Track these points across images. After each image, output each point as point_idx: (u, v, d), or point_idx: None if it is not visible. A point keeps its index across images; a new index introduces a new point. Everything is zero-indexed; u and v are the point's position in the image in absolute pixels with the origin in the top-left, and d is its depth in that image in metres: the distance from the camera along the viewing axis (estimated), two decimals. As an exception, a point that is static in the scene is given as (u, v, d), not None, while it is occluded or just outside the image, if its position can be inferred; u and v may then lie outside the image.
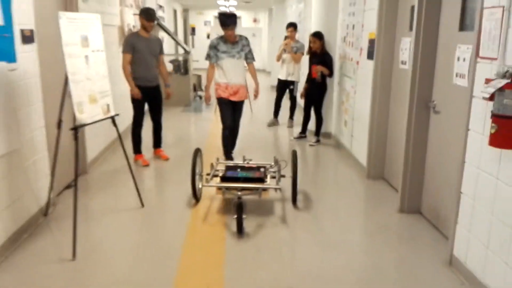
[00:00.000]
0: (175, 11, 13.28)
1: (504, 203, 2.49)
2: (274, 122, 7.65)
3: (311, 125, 6.58)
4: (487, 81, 2.50)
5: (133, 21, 7.41)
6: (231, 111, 5.12)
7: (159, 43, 5.31)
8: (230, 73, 4.99)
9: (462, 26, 3.24)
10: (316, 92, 6.32)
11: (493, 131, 2.36)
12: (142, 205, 4.08)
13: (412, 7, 3.90)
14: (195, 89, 10.52)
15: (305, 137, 6.63)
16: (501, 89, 2.30)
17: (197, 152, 4.08)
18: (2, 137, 3.12)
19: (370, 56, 4.81)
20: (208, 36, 15.52)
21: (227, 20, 4.82)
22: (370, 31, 4.83)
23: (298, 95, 7.21)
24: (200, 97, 10.60)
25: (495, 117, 2.35)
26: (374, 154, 4.82)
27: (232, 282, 2.88)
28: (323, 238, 3.55)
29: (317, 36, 6.20)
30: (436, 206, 3.67)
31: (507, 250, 2.47)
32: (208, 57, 5.01)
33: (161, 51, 5.27)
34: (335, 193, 4.67)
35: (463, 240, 2.95)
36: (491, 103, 2.41)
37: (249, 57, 5.10)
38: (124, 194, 4.40)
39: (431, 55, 3.65)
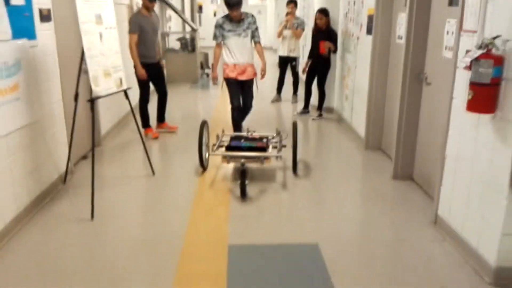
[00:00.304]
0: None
1: (481, 163, 2.75)
2: (277, 98, 7.88)
3: (314, 100, 6.80)
4: (467, 52, 2.72)
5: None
6: (239, 91, 5.17)
7: (158, 20, 5.58)
8: (236, 52, 5.03)
9: (451, 1, 3.43)
10: (321, 68, 6.52)
11: (470, 97, 2.60)
12: (153, 173, 4.39)
13: (407, -16, 4.07)
14: (202, 67, 10.74)
15: (308, 112, 6.86)
16: (477, 59, 2.52)
17: (204, 123, 4.35)
18: (25, 109, 3.42)
19: (369, 31, 5.00)
20: (215, 14, 15.64)
21: (231, 0, 4.81)
22: (369, 7, 5.01)
23: (300, 70, 7.41)
24: (207, 75, 10.83)
25: (472, 84, 2.58)
26: (372, 125, 5.07)
27: (235, 237, 3.19)
28: (320, 201, 3.85)
29: (324, 12, 6.34)
30: (426, 172, 3.93)
31: (483, 204, 2.74)
32: (215, 36, 5.04)
33: (158, 28, 5.55)
34: (334, 163, 4.95)
35: (446, 200, 3.22)
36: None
37: (256, 36, 5.08)
38: (136, 164, 4.72)
39: (423, 29, 3.86)
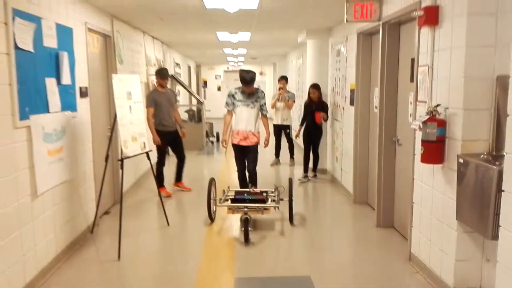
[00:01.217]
0: (189, 67, 14.73)
1: (437, 204, 3.44)
2: (276, 162, 8.66)
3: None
4: (419, 117, 3.52)
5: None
6: (242, 156, 5.58)
7: (174, 94, 6.50)
8: (242, 120, 5.42)
9: (411, 78, 4.30)
10: (316, 135, 7.32)
11: (422, 152, 3.35)
12: (168, 224, 5.03)
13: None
14: (207, 135, 11.67)
15: (307, 177, 7.43)
16: (425, 122, 3.31)
17: (212, 180, 5.06)
18: (66, 168, 4.17)
19: (351, 102, 5.88)
20: (218, 89, 16.88)
21: (246, 77, 5.31)
22: (351, 83, 5.93)
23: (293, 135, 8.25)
24: (212, 142, 11.72)
25: (423, 142, 3.34)
26: (359, 182, 5.78)
27: (241, 271, 3.79)
28: (312, 244, 4.48)
29: (316, 87, 7.23)
30: (403, 219, 4.58)
31: (440, 238, 3.39)
32: (226, 104, 5.49)
33: (175, 101, 6.45)
34: (326, 215, 5.61)
35: (416, 239, 3.86)
36: (422, 133, 3.41)
37: (263, 109, 5.54)
38: (153, 217, 5.38)
39: (393, 100, 4.70)
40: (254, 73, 5.46)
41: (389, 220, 4.88)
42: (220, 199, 5.01)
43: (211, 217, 5.03)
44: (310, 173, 7.41)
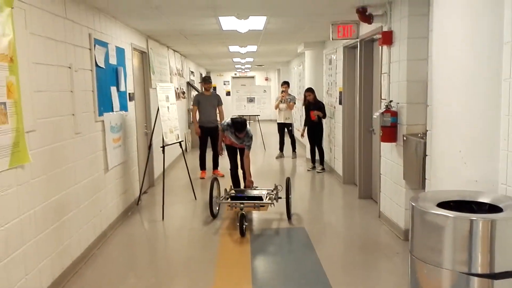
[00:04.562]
0: (201, 74, 16.18)
1: (393, 171, 4.82)
2: (281, 155, 10.06)
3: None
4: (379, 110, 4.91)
5: (177, 85, 10.08)
6: (235, 155, 6.18)
7: (217, 98, 8.11)
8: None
9: (380, 82, 5.68)
10: (315, 131, 8.61)
11: (381, 134, 4.74)
12: (195, 198, 6.45)
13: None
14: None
15: (315, 167, 8.77)
16: (383, 113, 4.70)
17: (214, 180, 5.53)
18: (122, 152, 5.59)
19: (340, 102, 7.27)
20: (227, 94, 18.32)
21: (239, 126, 5.65)
22: (339, 86, 7.32)
23: (298, 133, 9.61)
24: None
25: (382, 127, 4.73)
26: (347, 166, 7.16)
27: (249, 225, 5.20)
28: (306, 211, 5.86)
29: (310, 90, 8.59)
30: (377, 190, 5.95)
31: (395, 195, 4.77)
32: (222, 129, 6.02)
33: (219, 103, 8.01)
34: (320, 192, 7.02)
35: (383, 201, 5.24)
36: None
37: (246, 146, 5.80)
38: (183, 194, 6.79)
39: (369, 100, 6.09)
40: (245, 122, 5.79)
41: (368, 192, 6.25)
42: (222, 197, 5.53)
43: (213, 214, 5.45)
44: (318, 167, 8.59)
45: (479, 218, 2.32)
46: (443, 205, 2.57)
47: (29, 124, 3.25)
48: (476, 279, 2.34)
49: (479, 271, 2.33)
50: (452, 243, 2.38)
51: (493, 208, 2.53)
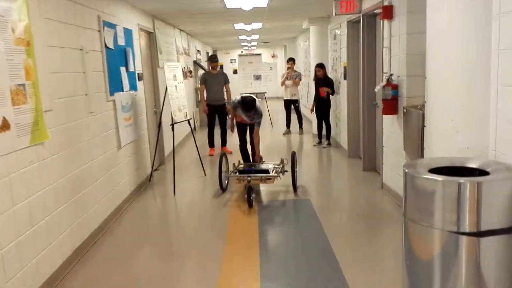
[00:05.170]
0: (207, 53, 16.27)
1: (394, 143, 4.98)
2: (288, 132, 10.23)
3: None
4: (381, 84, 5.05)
5: (184, 64, 10.22)
6: (244, 131, 6.29)
7: (224, 76, 8.26)
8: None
9: (382, 58, 5.78)
10: (324, 107, 8.71)
11: (382, 107, 4.88)
12: (205, 174, 6.68)
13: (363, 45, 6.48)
14: (227, 114, 13.27)
15: (321, 143, 8.91)
16: (384, 86, 4.83)
17: (223, 155, 5.68)
18: (133, 131, 5.81)
19: (345, 77, 7.38)
20: (234, 72, 18.40)
21: (247, 106, 5.69)
22: (344, 61, 7.42)
23: (306, 110, 9.74)
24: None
25: (383, 100, 4.87)
26: (352, 140, 7.32)
27: (257, 196, 5.43)
28: (312, 182, 6.07)
29: (321, 66, 8.60)
30: (380, 162, 6.13)
31: (396, 165, 4.95)
32: (233, 106, 6.00)
33: (225, 81, 8.15)
34: (326, 166, 7.21)
35: (386, 172, 5.42)
36: (384, 94, 4.94)
37: (256, 122, 5.86)
38: (193, 170, 7.03)
39: (372, 74, 6.20)
40: (254, 101, 5.77)
41: (372, 165, 6.43)
42: (230, 171, 5.74)
43: (222, 187, 5.66)
44: (324, 142, 8.73)
45: (466, 181, 2.49)
46: (435, 171, 2.74)
47: (46, 104, 3.46)
48: (464, 237, 2.53)
49: (467, 230, 2.52)
50: (442, 205, 2.56)
51: (482, 173, 2.71)
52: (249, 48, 20.35)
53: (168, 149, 7.91)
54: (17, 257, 2.99)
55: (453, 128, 2.97)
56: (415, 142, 4.39)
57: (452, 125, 2.97)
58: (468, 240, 2.53)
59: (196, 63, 12.20)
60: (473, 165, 2.79)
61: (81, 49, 4.23)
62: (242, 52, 21.33)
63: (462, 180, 2.51)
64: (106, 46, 4.91)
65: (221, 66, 21.12)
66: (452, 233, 2.55)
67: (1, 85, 2.87)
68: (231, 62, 21.24)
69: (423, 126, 4.20)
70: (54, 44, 3.68)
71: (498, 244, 2.53)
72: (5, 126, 2.90)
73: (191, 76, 11.23)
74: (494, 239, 2.51)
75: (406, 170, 2.72)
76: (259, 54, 21.59)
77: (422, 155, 4.31)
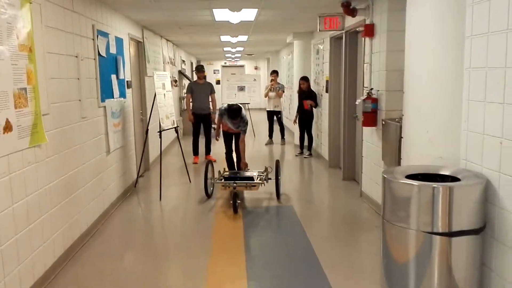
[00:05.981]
0: (191, 63, 16.47)
1: (373, 154, 5.26)
2: (270, 142, 10.47)
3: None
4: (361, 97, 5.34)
5: (170, 73, 10.37)
6: (230, 140, 6.47)
7: (210, 86, 8.41)
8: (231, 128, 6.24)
9: (362, 70, 6.09)
10: (307, 119, 8.97)
11: (362, 119, 5.16)
12: (190, 181, 6.83)
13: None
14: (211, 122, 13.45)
15: (302, 153, 9.16)
16: (364, 100, 5.12)
17: (208, 163, 5.82)
18: (122, 137, 5.93)
19: (327, 91, 7.68)
20: (217, 82, 18.62)
21: (233, 114, 5.89)
22: (326, 75, 7.72)
23: (288, 121, 10.00)
24: (214, 128, 13.48)
25: (363, 112, 5.15)
26: (332, 151, 7.59)
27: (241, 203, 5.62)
28: (294, 191, 6.29)
29: (305, 79, 8.86)
30: (359, 172, 6.40)
31: (375, 175, 5.22)
32: (219, 114, 6.19)
33: (211, 91, 8.32)
34: (307, 176, 7.44)
35: (364, 181, 5.68)
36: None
37: (242, 130, 6.05)
38: (177, 177, 7.17)
39: (353, 88, 6.50)
40: (240, 109, 5.97)
41: (351, 174, 6.70)
42: (216, 178, 5.86)
43: (208, 193, 5.82)
44: (306, 152, 8.98)
45: (439, 186, 2.75)
46: (411, 177, 3.00)
47: (44, 108, 3.59)
48: (437, 237, 2.78)
49: (440, 230, 2.77)
50: (417, 207, 2.81)
51: (454, 179, 2.97)
52: (233, 60, 20.63)
53: (152, 156, 8.03)
54: (15, 254, 3.10)
55: (428, 139, 3.24)
56: (393, 152, 4.67)
57: (427, 136, 3.24)
58: (441, 240, 2.78)
59: (181, 73, 12.37)
60: (445, 172, 3.05)
61: (76, 56, 4.38)
62: (225, 63, 21.59)
63: (435, 185, 2.76)
64: (99, 54, 5.06)
65: (205, 76, 21.33)
66: (426, 233, 2.79)
67: (6, 88, 3.01)
68: (214, 73, 21.46)
69: (401, 137, 4.48)
70: (52, 51, 3.83)
71: (468, 243, 2.79)
72: (8, 127, 3.03)
73: (176, 86, 11.39)
74: (464, 239, 2.77)
75: (385, 176, 2.97)
76: (242, 66, 21.89)
77: (399, 165, 4.59)
